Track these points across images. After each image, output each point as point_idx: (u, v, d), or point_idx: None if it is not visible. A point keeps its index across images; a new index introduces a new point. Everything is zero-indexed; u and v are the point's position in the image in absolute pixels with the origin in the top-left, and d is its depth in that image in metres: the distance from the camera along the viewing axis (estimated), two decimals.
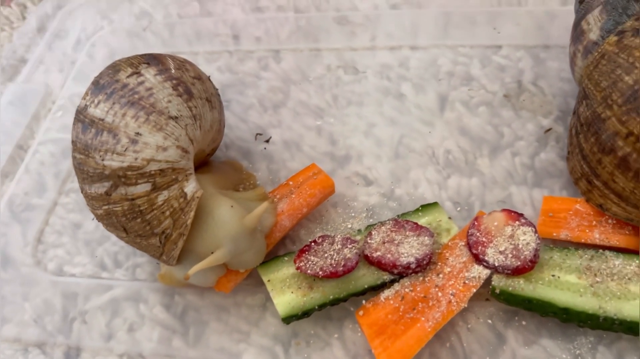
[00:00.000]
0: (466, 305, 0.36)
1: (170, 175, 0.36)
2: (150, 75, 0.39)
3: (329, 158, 0.49)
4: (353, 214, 0.45)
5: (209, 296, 0.42)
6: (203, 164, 0.45)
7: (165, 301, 0.42)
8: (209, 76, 0.44)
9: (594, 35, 0.41)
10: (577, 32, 0.43)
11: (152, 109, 0.37)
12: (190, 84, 0.40)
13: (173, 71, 0.40)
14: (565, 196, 0.43)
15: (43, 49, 0.63)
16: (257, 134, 0.51)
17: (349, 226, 0.44)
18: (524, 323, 0.38)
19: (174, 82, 0.39)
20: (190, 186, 0.37)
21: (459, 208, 0.44)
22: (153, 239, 0.37)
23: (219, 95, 0.44)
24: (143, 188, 0.36)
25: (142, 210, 0.36)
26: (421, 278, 0.38)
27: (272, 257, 0.41)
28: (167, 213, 0.36)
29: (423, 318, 0.36)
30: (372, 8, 0.60)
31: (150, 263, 0.45)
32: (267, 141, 0.50)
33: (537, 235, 0.37)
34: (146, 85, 0.38)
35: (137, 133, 0.36)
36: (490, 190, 0.45)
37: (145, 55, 0.41)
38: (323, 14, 0.60)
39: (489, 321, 0.38)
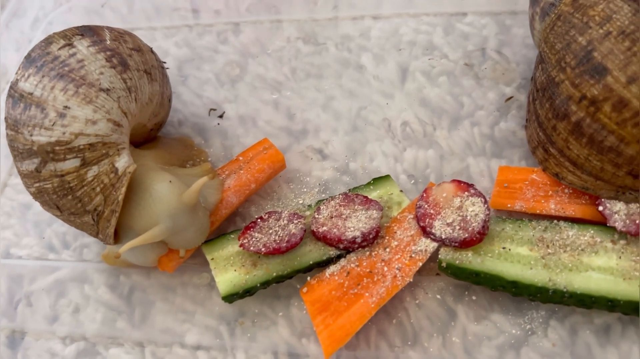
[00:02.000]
0: (412, 280, 0.35)
1: (100, 150, 0.35)
2: (82, 47, 0.37)
3: (285, 133, 0.47)
4: (305, 189, 0.43)
5: (155, 276, 0.41)
6: (149, 140, 0.44)
7: (111, 281, 0.41)
8: (151, 49, 0.42)
9: None
10: None
11: (82, 81, 0.35)
12: (127, 56, 0.38)
13: (108, 42, 0.38)
14: (524, 166, 0.41)
15: (1, 28, 0.61)
16: (210, 109, 0.49)
17: (301, 202, 0.42)
18: (474, 298, 0.36)
19: (108, 53, 0.37)
20: (122, 161, 0.35)
21: (413, 181, 0.42)
22: (86, 217, 0.36)
23: (162, 67, 0.43)
24: (72, 163, 0.34)
25: (72, 186, 0.35)
26: (368, 253, 0.36)
27: (219, 235, 0.40)
28: (98, 189, 0.35)
29: (367, 294, 0.35)
30: None
31: (98, 244, 0.43)
32: (221, 116, 0.49)
33: (486, 205, 0.35)
34: (78, 57, 0.36)
35: (66, 107, 0.34)
36: (447, 162, 0.43)
37: (81, 27, 0.39)
38: None
39: (438, 296, 0.37)
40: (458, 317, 0.36)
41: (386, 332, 0.36)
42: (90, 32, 0.38)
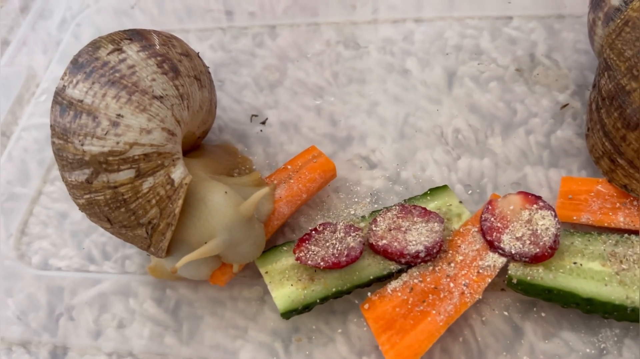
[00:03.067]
0: (481, 297, 0.33)
1: (156, 160, 0.33)
2: (132, 51, 0.35)
3: (330, 140, 0.46)
4: (356, 199, 0.42)
5: (203, 289, 0.39)
6: (194, 148, 0.42)
7: (156, 295, 0.40)
8: (198, 53, 0.40)
9: (615, 0, 0.38)
10: None
11: (135, 88, 0.34)
12: (177, 61, 0.37)
13: (158, 47, 0.37)
14: (584, 176, 0.40)
15: (26, 30, 0.60)
16: (252, 116, 0.48)
17: (352, 212, 0.41)
18: (543, 314, 0.35)
19: (159, 58, 0.36)
20: (178, 172, 0.34)
21: (470, 191, 0.41)
22: (139, 230, 0.34)
23: (209, 73, 0.41)
24: (126, 174, 0.33)
25: (125, 198, 0.33)
26: (431, 268, 0.35)
27: (270, 247, 0.38)
28: (153, 201, 0.33)
29: (434, 311, 0.33)
30: None
31: (140, 255, 0.42)
32: (263, 123, 0.47)
33: (556, 219, 0.34)
34: (128, 62, 0.35)
35: (119, 115, 0.33)
36: (503, 171, 0.42)
37: (128, 30, 0.38)
38: None
39: (505, 313, 0.35)
40: (526, 334, 0.35)
41: (451, 350, 0.35)
42: (138, 36, 0.37)
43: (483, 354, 0.34)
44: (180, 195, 0.34)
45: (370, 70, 0.50)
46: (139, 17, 0.58)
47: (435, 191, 0.39)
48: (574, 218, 0.36)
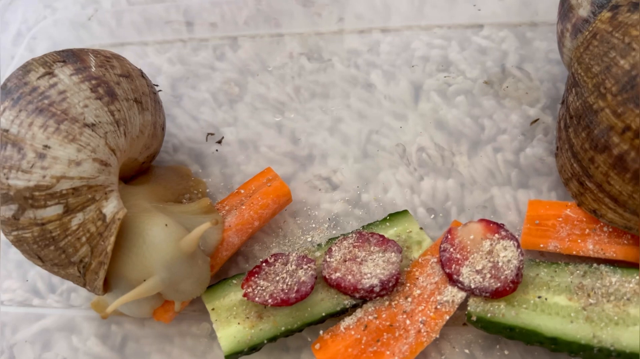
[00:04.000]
0: (438, 336, 0.31)
1: (86, 194, 0.31)
2: (64, 75, 0.33)
3: (290, 159, 0.43)
4: (314, 225, 0.39)
5: (150, 325, 0.37)
6: (141, 173, 0.40)
7: (101, 331, 0.37)
8: (142, 71, 0.38)
9: (584, 11, 0.36)
10: (565, 8, 0.37)
11: (64, 116, 0.31)
12: (115, 84, 0.34)
13: (93, 69, 0.34)
14: (554, 197, 0.38)
15: None
16: (208, 134, 0.45)
17: (309, 239, 0.38)
18: (506, 352, 0.33)
19: (94, 82, 0.33)
20: (111, 206, 0.31)
21: (433, 215, 0.38)
22: (71, 269, 0.32)
23: (155, 94, 0.39)
24: (54, 211, 0.30)
25: (54, 236, 0.31)
26: (387, 303, 0.33)
27: (219, 280, 0.36)
28: (84, 239, 0.31)
29: (388, 352, 0.31)
30: None
31: None
32: (220, 142, 0.45)
33: (520, 250, 0.32)
34: (59, 87, 0.32)
35: (45, 146, 0.31)
36: (469, 192, 0.39)
37: (63, 51, 0.35)
38: None
39: (466, 350, 0.33)
40: None
41: None
42: (73, 57, 0.34)
43: None
44: (112, 232, 0.31)
45: (334, 84, 0.47)
46: (96, 30, 0.56)
47: (394, 216, 0.37)
48: (541, 245, 0.34)
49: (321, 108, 0.46)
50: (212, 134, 0.45)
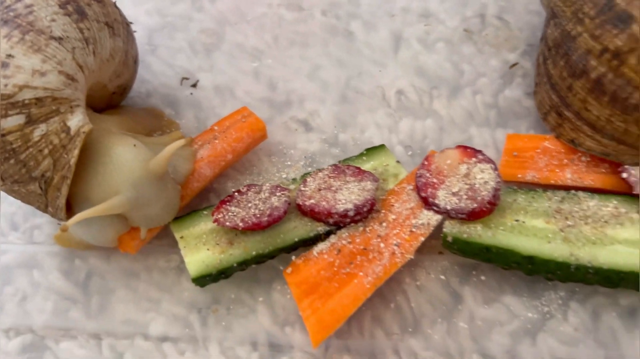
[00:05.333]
0: (412, 257, 0.30)
1: (50, 106, 0.30)
2: None
3: (267, 104, 0.43)
4: (289, 163, 0.38)
5: (116, 260, 0.36)
6: (112, 106, 0.39)
7: (65, 266, 0.36)
8: (115, 2, 0.37)
9: None
10: None
11: (30, 28, 0.30)
12: (85, 4, 0.33)
13: None
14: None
15: None
16: (183, 78, 0.44)
17: (284, 176, 0.37)
18: (482, 278, 0.32)
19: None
20: (76, 120, 0.30)
21: (410, 152, 0.38)
22: (32, 185, 0.30)
23: (128, 25, 0.38)
24: (15, 121, 0.29)
25: (14, 148, 0.29)
26: (361, 229, 0.32)
27: (190, 212, 0.35)
28: (46, 151, 0.29)
29: (361, 273, 0.30)
30: None
31: (51, 224, 0.38)
32: (194, 85, 0.44)
33: (497, 172, 0.31)
34: (26, 2, 0.31)
35: (9, 55, 0.29)
36: (448, 132, 0.39)
37: None
38: None
39: (442, 277, 0.32)
40: (464, 300, 0.31)
41: (382, 318, 0.31)
42: None
43: (418, 322, 0.31)
44: (76, 145, 0.30)
45: (314, 33, 0.46)
46: None
47: (371, 151, 0.36)
48: (519, 176, 0.34)
49: (300, 56, 0.45)
50: (186, 79, 0.44)
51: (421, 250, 0.33)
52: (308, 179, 0.34)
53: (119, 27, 0.36)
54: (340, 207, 0.32)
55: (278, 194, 0.33)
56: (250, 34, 0.47)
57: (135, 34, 0.48)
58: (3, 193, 0.40)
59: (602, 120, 0.32)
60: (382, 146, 0.36)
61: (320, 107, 0.42)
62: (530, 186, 0.33)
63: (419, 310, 0.31)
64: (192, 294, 0.34)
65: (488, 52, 0.42)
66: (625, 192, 0.31)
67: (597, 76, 0.31)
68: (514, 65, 0.41)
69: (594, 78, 0.31)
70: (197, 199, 0.37)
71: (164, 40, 0.48)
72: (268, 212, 0.32)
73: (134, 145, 0.32)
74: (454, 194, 0.31)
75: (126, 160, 0.31)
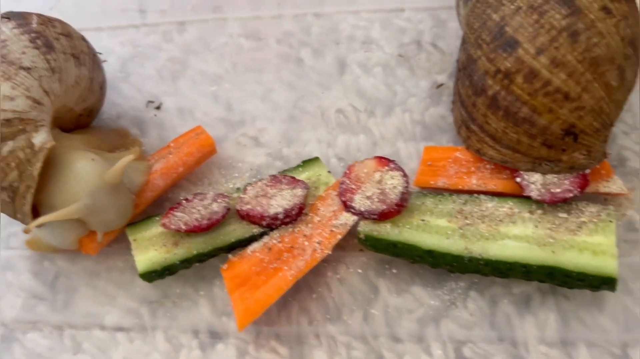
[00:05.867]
0: (330, 252, 0.35)
1: (17, 126, 0.35)
2: (7, 28, 0.37)
3: (223, 123, 0.47)
4: (237, 174, 0.43)
5: (80, 262, 0.40)
6: (80, 127, 0.44)
7: (35, 268, 0.40)
8: (84, 37, 0.42)
9: None
10: None
11: (3, 60, 0.35)
12: (54, 39, 0.38)
13: (34, 25, 0.38)
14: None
15: None
16: (148, 101, 0.49)
17: (231, 186, 0.42)
18: (394, 271, 0.36)
19: (33, 35, 0.37)
20: (40, 138, 0.35)
21: (342, 164, 0.42)
22: (2, 194, 0.35)
23: (95, 55, 0.43)
24: None
25: None
26: (291, 230, 0.36)
27: (144, 218, 0.39)
28: (13, 164, 0.34)
29: (286, 267, 0.34)
30: None
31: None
32: (158, 107, 0.49)
33: (405, 178, 0.36)
34: (1, 37, 0.36)
35: None
36: (379, 147, 0.43)
37: (11, 12, 0.40)
38: None
39: (360, 270, 0.36)
40: (380, 291, 0.36)
41: (308, 308, 0.36)
42: (17, 16, 0.39)
43: (339, 311, 0.35)
44: (39, 158, 0.35)
45: (268, 60, 0.52)
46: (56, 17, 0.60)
47: (307, 162, 0.41)
48: (432, 182, 0.38)
49: (255, 81, 0.50)
50: (152, 102, 0.49)
51: (344, 248, 0.37)
52: (248, 188, 0.39)
53: (85, 57, 0.41)
54: (272, 211, 0.36)
55: (219, 201, 0.38)
56: (212, 61, 0.52)
57: (110, 63, 0.54)
58: None
59: (499, 132, 0.36)
60: (316, 158, 0.41)
61: (269, 125, 0.46)
62: (441, 191, 0.38)
63: (340, 300, 0.36)
64: (144, 290, 0.38)
65: (420, 75, 0.47)
66: (520, 195, 0.36)
67: (493, 93, 0.36)
68: (440, 85, 0.46)
69: (490, 96, 0.36)
70: (153, 207, 0.41)
71: (135, 68, 0.53)
72: (208, 216, 0.36)
73: (92, 159, 0.37)
74: (367, 198, 0.35)
75: (85, 172, 0.36)
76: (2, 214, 0.44)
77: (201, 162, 0.42)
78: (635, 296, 0.34)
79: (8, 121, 0.34)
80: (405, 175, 0.36)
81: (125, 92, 0.51)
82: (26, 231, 0.34)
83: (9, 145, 0.34)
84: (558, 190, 0.34)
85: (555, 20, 0.33)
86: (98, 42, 0.56)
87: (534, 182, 0.35)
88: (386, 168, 0.36)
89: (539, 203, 0.34)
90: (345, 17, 0.53)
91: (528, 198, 0.35)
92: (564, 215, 0.34)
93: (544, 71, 0.33)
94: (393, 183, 0.35)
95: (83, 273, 0.40)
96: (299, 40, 0.53)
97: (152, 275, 0.36)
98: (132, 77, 0.52)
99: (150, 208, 0.41)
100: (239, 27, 0.55)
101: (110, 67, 0.53)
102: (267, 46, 0.53)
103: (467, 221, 0.34)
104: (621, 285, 0.34)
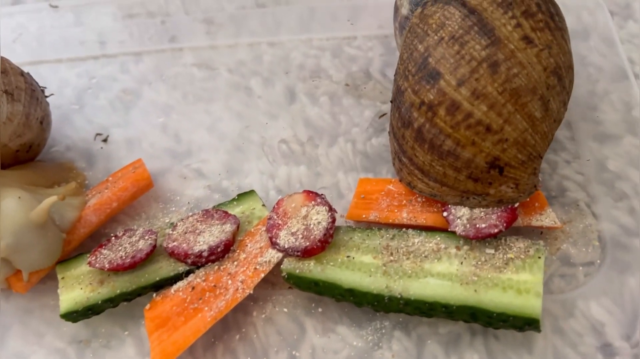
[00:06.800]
0: (252, 292, 0.34)
1: None
2: None
3: (169, 154, 0.47)
4: (174, 208, 0.43)
5: (14, 300, 0.40)
6: (19, 162, 0.44)
7: None
8: (24, 72, 0.43)
9: (405, 10, 0.40)
10: (394, 10, 0.42)
11: None
12: None
13: None
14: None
15: None
16: (96, 134, 0.49)
17: (167, 220, 0.42)
18: (321, 309, 0.35)
19: None
20: None
21: (281, 196, 0.42)
22: None
23: (34, 91, 0.43)
24: None
25: None
26: (216, 267, 0.36)
27: (76, 254, 0.39)
28: None
29: (206, 308, 0.34)
30: (240, 8, 0.59)
31: None
32: (105, 140, 0.49)
33: (330, 213, 0.35)
34: None
35: None
36: (321, 177, 0.43)
37: None
38: (190, 16, 0.59)
39: (286, 309, 0.36)
40: (306, 331, 0.35)
41: (234, 349, 0.35)
42: None
43: (266, 352, 0.34)
44: None
45: (219, 89, 0.51)
46: (19, 50, 0.61)
47: (242, 196, 0.40)
48: (363, 216, 0.37)
49: (204, 111, 0.50)
50: (99, 134, 0.49)
51: (274, 285, 0.36)
52: (179, 223, 0.38)
53: (20, 93, 0.41)
54: (197, 248, 0.36)
55: (146, 238, 0.37)
56: (163, 91, 0.52)
57: (65, 95, 0.54)
58: None
59: (427, 165, 0.35)
60: (251, 191, 0.40)
61: (213, 156, 0.46)
62: (371, 226, 0.37)
63: (267, 341, 0.35)
64: (73, 329, 0.37)
65: (364, 104, 0.47)
66: (448, 229, 0.35)
67: (419, 126, 0.35)
68: (382, 115, 0.45)
69: (416, 128, 0.35)
70: (90, 242, 0.41)
71: (90, 100, 0.53)
72: (132, 254, 0.36)
73: (19, 197, 0.36)
74: (292, 234, 0.35)
75: (10, 210, 0.36)
76: None
77: (137, 196, 0.42)
78: (566, 335, 0.33)
79: None
80: (330, 210, 0.35)
81: (77, 124, 0.51)
82: None
83: None
84: (483, 225, 0.33)
85: (476, 51, 0.33)
86: (56, 73, 0.57)
87: (461, 217, 0.34)
88: (313, 202, 0.36)
89: (461, 237, 0.34)
90: (297, 46, 0.53)
91: (454, 232, 0.34)
92: (491, 251, 0.33)
93: (465, 103, 0.33)
94: (318, 218, 0.35)
95: (16, 311, 0.39)
96: (250, 69, 0.52)
97: (73, 315, 0.35)
98: (86, 108, 0.52)
99: (88, 241, 0.41)
100: (193, 56, 0.55)
101: (65, 99, 0.53)
102: (218, 75, 0.53)
103: (392, 258, 0.34)
104: (552, 323, 0.33)
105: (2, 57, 0.42)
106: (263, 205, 0.39)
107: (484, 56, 0.33)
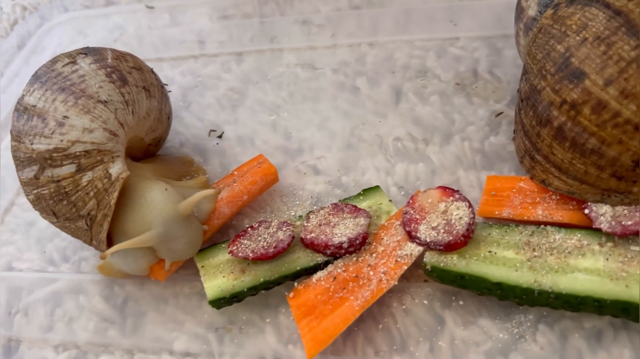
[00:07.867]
0: (396, 283, 0.35)
1: (95, 157, 0.36)
2: (85, 64, 0.39)
3: (282, 151, 0.49)
4: (298, 202, 0.44)
5: (148, 287, 0.41)
6: (148, 156, 0.45)
7: (105, 292, 0.42)
8: (152, 69, 0.44)
9: (532, 11, 0.41)
10: (518, 10, 0.42)
11: (82, 94, 0.37)
12: (127, 73, 0.40)
13: (109, 60, 0.40)
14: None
15: (19, 63, 0.65)
16: (210, 130, 0.51)
17: (292, 213, 0.43)
18: (461, 303, 0.36)
19: (109, 69, 0.39)
20: (116, 168, 0.37)
21: (403, 193, 0.43)
22: (80, 221, 0.37)
23: (162, 87, 0.45)
24: (68, 169, 0.36)
25: (67, 191, 0.36)
26: (355, 259, 0.37)
27: (211, 245, 0.40)
28: (91, 193, 0.36)
29: (352, 297, 0.35)
30: (335, 10, 0.60)
31: (96, 256, 0.44)
32: (220, 136, 0.50)
33: (471, 209, 0.36)
34: (80, 72, 0.38)
35: (65, 116, 0.36)
36: (438, 175, 0.44)
37: (86, 47, 0.42)
38: (287, 17, 0.61)
39: (425, 302, 0.36)
40: (446, 323, 0.35)
41: (373, 338, 0.36)
42: (93, 51, 0.41)
43: (404, 342, 0.35)
44: (116, 188, 0.36)
45: (324, 89, 0.53)
46: (121, 49, 0.63)
47: (367, 191, 0.41)
48: (496, 212, 0.38)
49: (312, 110, 0.51)
50: (214, 131, 0.51)
51: (409, 278, 0.37)
52: (311, 216, 0.39)
53: (155, 89, 0.43)
54: (336, 240, 0.37)
55: (284, 229, 0.38)
56: (270, 91, 0.54)
57: (171, 93, 0.56)
58: (57, 230, 0.47)
59: (566, 162, 0.36)
60: (377, 187, 0.41)
61: (327, 153, 0.47)
62: (506, 222, 0.38)
63: (405, 331, 0.36)
64: (211, 316, 0.39)
65: (477, 103, 0.47)
66: (589, 227, 0.35)
67: (559, 124, 0.36)
68: (499, 114, 0.46)
69: (556, 127, 0.36)
70: (218, 234, 0.42)
71: (196, 98, 0.55)
72: (274, 244, 0.37)
73: (166, 189, 0.38)
74: (433, 228, 0.35)
75: (158, 201, 0.37)
76: (74, 239, 0.46)
77: (264, 190, 0.43)
78: None
79: (88, 152, 0.36)
80: (470, 206, 0.36)
81: (187, 121, 0.53)
82: (102, 258, 0.36)
83: (88, 176, 0.36)
84: (630, 222, 0.34)
85: (624, 51, 0.33)
86: (160, 72, 0.59)
87: (604, 214, 0.34)
88: (451, 198, 0.37)
89: (609, 235, 0.34)
90: (399, 46, 0.54)
91: (596, 230, 0.35)
92: (636, 248, 0.33)
93: (613, 102, 0.33)
94: (459, 214, 0.35)
95: (151, 298, 0.41)
96: (354, 69, 0.54)
97: (220, 302, 0.37)
98: (193, 105, 0.54)
99: (215, 235, 0.42)
100: (295, 57, 0.56)
101: (172, 97, 0.55)
102: (322, 75, 0.54)
103: (535, 253, 0.34)
104: None
105: (135, 56, 0.44)
106: (390, 200, 0.40)
107: (634, 56, 0.33)
